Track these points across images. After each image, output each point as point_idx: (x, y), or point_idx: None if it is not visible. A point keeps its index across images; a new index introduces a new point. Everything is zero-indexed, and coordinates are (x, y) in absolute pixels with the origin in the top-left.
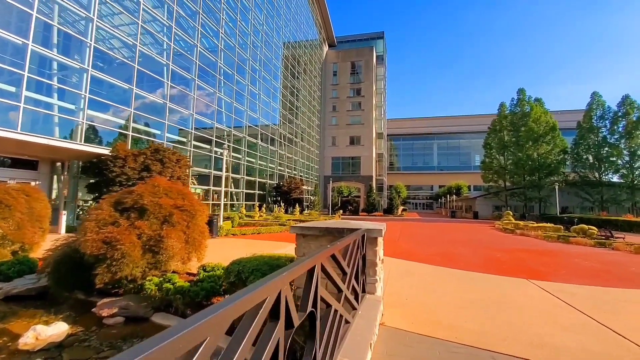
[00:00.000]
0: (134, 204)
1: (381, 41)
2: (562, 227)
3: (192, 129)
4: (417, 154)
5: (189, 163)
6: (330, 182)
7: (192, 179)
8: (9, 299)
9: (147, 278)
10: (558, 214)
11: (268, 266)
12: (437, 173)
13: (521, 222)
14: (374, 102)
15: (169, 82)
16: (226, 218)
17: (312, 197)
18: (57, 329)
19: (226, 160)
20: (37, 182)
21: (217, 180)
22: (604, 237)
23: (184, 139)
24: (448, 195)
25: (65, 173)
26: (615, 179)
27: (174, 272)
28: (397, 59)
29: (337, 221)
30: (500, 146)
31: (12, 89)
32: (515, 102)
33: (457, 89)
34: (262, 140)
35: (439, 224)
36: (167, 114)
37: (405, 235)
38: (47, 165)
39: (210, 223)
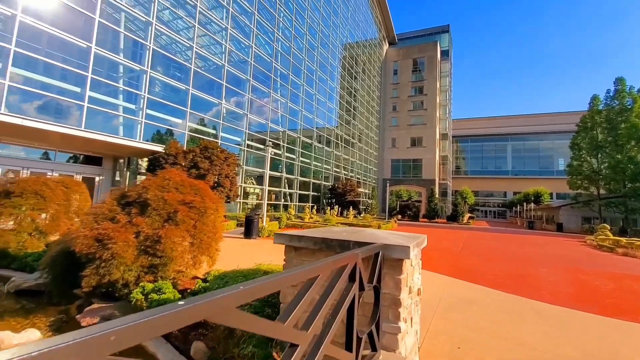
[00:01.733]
0: (137, 197)
1: (446, 35)
2: None
3: (245, 129)
4: (487, 157)
5: (237, 161)
6: (388, 185)
7: (251, 180)
8: (20, 293)
9: (140, 284)
10: None
11: None
12: (511, 178)
13: (623, 239)
14: (437, 100)
15: (225, 83)
16: (276, 218)
17: (369, 201)
18: (27, 338)
19: (270, 158)
20: (101, 177)
21: (276, 181)
22: None
23: (238, 139)
24: (525, 203)
25: (125, 169)
26: None
27: (173, 278)
28: (466, 54)
29: (348, 229)
30: (593, 147)
31: (77, 89)
32: (612, 95)
33: (537, 87)
34: (318, 142)
35: (514, 235)
36: (223, 114)
37: (469, 247)
38: (110, 162)
39: (250, 223)
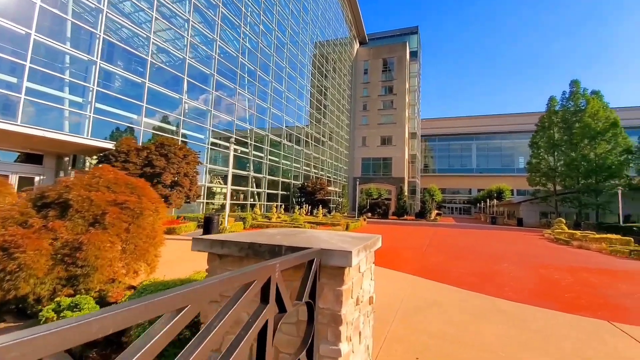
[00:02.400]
0: (57, 198)
1: (415, 36)
2: (631, 239)
3: (209, 126)
4: (453, 156)
5: (197, 159)
6: (358, 183)
7: (218, 179)
8: None
9: (56, 299)
10: (621, 223)
11: None
12: (475, 176)
13: (577, 232)
14: (406, 100)
15: (187, 78)
16: (242, 219)
17: (339, 199)
18: None
19: (237, 156)
20: (42, 177)
21: (244, 180)
22: None
23: (202, 136)
24: (488, 200)
25: (70, 168)
26: None
27: (100, 290)
28: (434, 56)
29: (284, 231)
30: (550, 145)
31: (13, 79)
32: (567, 96)
33: (501, 89)
34: (287, 140)
35: (478, 231)
36: (185, 110)
37: (435, 244)
38: (52, 160)
39: (210, 223)
